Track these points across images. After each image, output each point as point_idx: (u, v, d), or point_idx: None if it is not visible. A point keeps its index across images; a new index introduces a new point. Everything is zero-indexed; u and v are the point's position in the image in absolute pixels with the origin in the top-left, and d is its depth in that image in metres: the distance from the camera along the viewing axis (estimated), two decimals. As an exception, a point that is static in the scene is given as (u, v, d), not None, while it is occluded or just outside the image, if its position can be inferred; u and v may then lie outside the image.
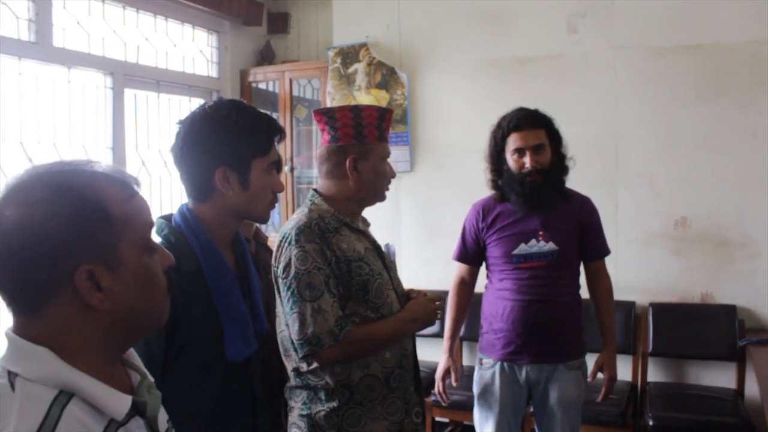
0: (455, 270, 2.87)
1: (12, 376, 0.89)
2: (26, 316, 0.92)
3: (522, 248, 2.60)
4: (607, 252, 2.77)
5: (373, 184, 2.00)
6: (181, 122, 1.62)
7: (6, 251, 0.88)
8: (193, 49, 4.32)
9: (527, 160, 2.58)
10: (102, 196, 0.93)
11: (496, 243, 2.66)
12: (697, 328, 3.60)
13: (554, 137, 2.67)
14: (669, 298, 3.71)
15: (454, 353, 2.85)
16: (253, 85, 4.63)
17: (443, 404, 2.91)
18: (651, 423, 3.22)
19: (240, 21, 4.47)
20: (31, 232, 0.88)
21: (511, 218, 2.65)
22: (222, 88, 4.45)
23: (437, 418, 3.79)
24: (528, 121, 2.62)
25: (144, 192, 1.03)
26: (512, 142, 2.62)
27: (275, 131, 1.65)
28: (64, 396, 0.89)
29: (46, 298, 0.91)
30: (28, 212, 0.88)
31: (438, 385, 2.82)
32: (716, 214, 3.64)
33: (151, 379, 1.08)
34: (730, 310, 3.57)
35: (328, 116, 1.99)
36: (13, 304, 0.92)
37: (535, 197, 2.58)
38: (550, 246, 2.58)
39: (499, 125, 2.70)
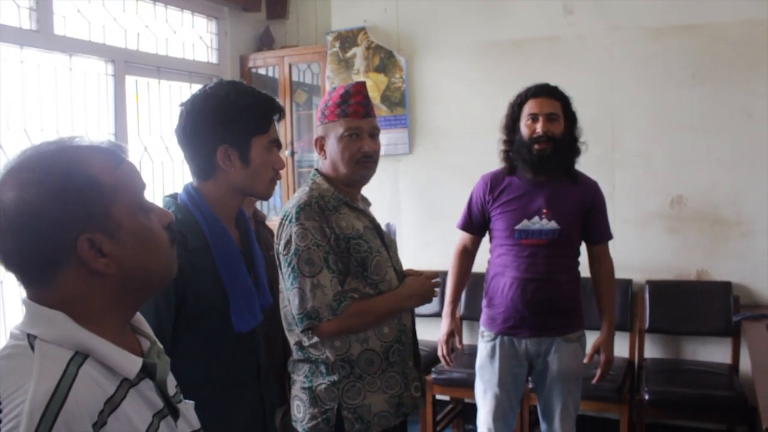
0: (458, 238, 2.93)
1: (31, 338, 0.95)
2: (38, 288, 0.98)
3: (524, 224, 2.66)
4: (609, 236, 2.82)
5: (337, 162, 2.02)
6: (183, 104, 1.68)
7: (9, 231, 0.94)
8: (193, 36, 4.36)
9: (539, 126, 2.63)
10: (88, 167, 0.98)
11: (500, 216, 2.72)
12: (693, 304, 3.65)
13: (570, 115, 2.73)
14: (665, 276, 3.76)
15: (455, 316, 2.90)
16: (253, 70, 4.67)
17: (447, 367, 2.95)
18: (647, 397, 3.28)
19: (239, 7, 4.50)
20: (28, 211, 0.94)
21: (517, 193, 2.70)
22: (222, 74, 4.49)
23: (438, 396, 3.85)
24: (546, 91, 2.71)
25: (146, 176, 1.09)
26: (528, 107, 2.69)
27: (274, 110, 1.71)
28: (80, 356, 0.95)
29: (53, 271, 0.97)
30: (22, 193, 0.94)
31: (441, 348, 2.85)
32: (711, 194, 3.69)
33: (160, 345, 1.14)
34: (725, 287, 3.62)
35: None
36: (24, 278, 0.99)
37: (543, 166, 2.63)
38: (552, 225, 2.64)
39: (518, 94, 2.77)
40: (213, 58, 4.49)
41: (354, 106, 2.01)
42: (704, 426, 3.68)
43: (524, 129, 2.67)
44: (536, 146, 2.62)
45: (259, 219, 2.31)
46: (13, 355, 0.94)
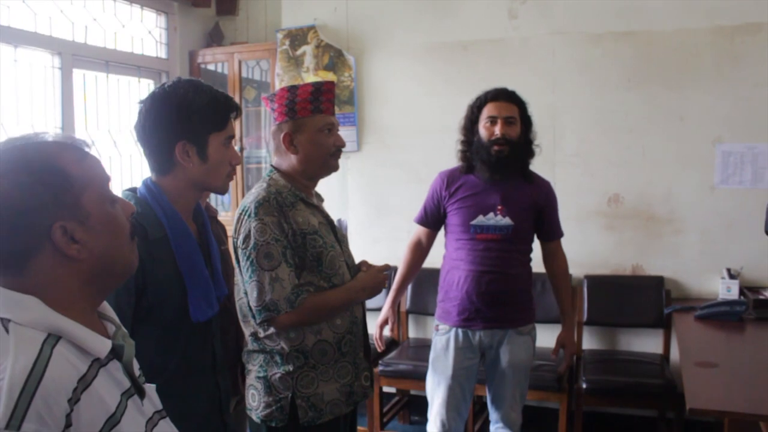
0: (414, 231, 3.04)
1: (5, 321, 1.00)
2: (13, 275, 1.03)
3: (480, 219, 2.77)
4: (561, 234, 2.98)
5: (313, 156, 2.10)
6: (142, 101, 1.72)
7: None
8: (142, 30, 4.33)
9: (497, 129, 2.74)
10: (57, 161, 1.05)
11: (456, 211, 2.83)
12: (628, 298, 3.84)
13: (526, 120, 2.86)
14: (602, 271, 3.94)
15: (394, 306, 3.05)
16: (202, 66, 4.67)
17: (378, 351, 3.11)
18: (584, 386, 3.45)
19: (188, 2, 4.49)
20: (3, 203, 0.99)
21: (474, 190, 2.82)
22: (171, 69, 4.47)
23: (384, 389, 3.95)
24: (505, 95, 2.82)
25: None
26: (487, 110, 2.80)
27: (231, 108, 1.77)
28: (53, 338, 1.01)
29: (28, 258, 1.03)
30: None
31: (375, 332, 2.99)
32: (646, 192, 3.88)
33: (125, 330, 1.20)
34: (658, 281, 3.82)
35: (270, 99, 2.13)
36: (0, 267, 1.03)
37: (499, 166, 2.75)
38: (506, 221, 2.76)
39: (477, 97, 2.87)
40: (162, 53, 4.47)
41: (326, 103, 2.11)
42: (637, 413, 3.88)
43: (483, 131, 2.78)
44: (495, 148, 2.74)
45: (212, 214, 2.35)
46: None
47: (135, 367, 1.19)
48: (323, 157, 2.11)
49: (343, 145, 2.15)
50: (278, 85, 4.44)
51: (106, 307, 1.19)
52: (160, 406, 1.22)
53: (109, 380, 1.08)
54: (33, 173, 1.01)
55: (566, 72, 3.96)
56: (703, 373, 2.52)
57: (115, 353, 1.11)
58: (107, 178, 1.13)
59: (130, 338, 1.18)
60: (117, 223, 1.12)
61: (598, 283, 3.91)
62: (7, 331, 0.99)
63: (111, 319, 1.18)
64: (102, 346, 1.07)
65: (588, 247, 3.94)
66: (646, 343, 3.87)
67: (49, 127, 3.63)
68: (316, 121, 2.09)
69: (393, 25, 4.27)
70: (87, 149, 1.12)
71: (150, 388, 1.21)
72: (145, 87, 4.32)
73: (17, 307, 1.01)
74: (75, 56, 3.77)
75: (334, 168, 2.17)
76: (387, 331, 3.03)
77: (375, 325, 2.99)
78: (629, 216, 3.92)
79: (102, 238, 1.08)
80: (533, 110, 3.97)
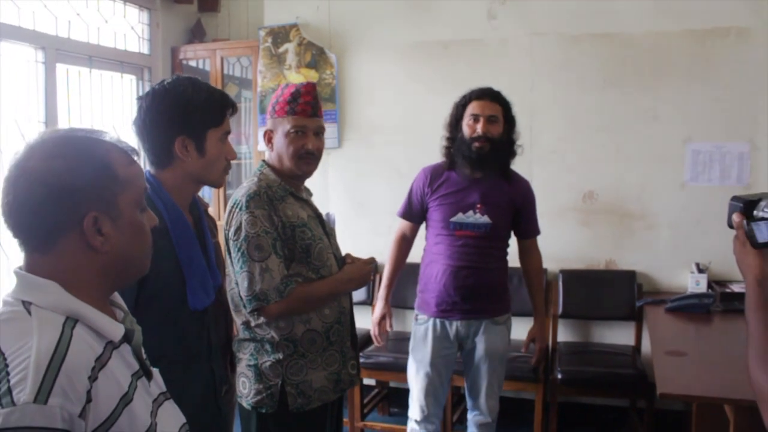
0: (397, 225, 3.13)
1: (27, 304, 1.07)
2: (39, 253, 1.10)
3: (459, 217, 2.86)
4: (537, 232, 3.09)
5: (282, 156, 2.17)
6: (142, 98, 1.79)
7: (29, 196, 1.07)
8: (125, 26, 4.36)
9: (479, 127, 2.83)
10: (110, 158, 1.13)
11: (438, 207, 2.92)
12: (602, 292, 3.97)
13: (509, 119, 2.94)
14: (577, 265, 4.06)
15: (389, 300, 3.12)
16: (184, 62, 4.70)
17: (378, 344, 3.16)
18: (559, 376, 3.57)
19: (171, -2, 4.53)
20: (52, 182, 1.07)
21: (455, 188, 2.91)
22: (153, 65, 4.50)
23: (365, 381, 4.03)
24: (489, 94, 2.91)
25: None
26: (471, 108, 2.88)
27: (227, 105, 1.85)
28: (71, 321, 1.08)
29: (58, 238, 1.10)
30: (51, 165, 1.07)
31: (374, 329, 3.08)
32: (620, 189, 4.01)
33: (132, 317, 1.27)
34: (631, 276, 3.95)
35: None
36: (29, 242, 1.11)
37: (480, 163, 2.84)
38: (485, 219, 2.86)
39: (463, 96, 2.96)
40: (144, 49, 4.50)
41: (302, 105, 2.15)
42: (610, 402, 4.01)
43: (466, 128, 2.87)
44: (476, 144, 2.83)
45: (203, 207, 2.41)
46: (11, 319, 1.06)
47: (142, 351, 1.26)
48: (291, 159, 2.16)
49: (313, 148, 2.15)
50: (261, 82, 4.50)
51: (116, 295, 1.26)
52: (164, 388, 1.30)
53: (121, 362, 1.15)
54: (85, 161, 1.10)
55: (544, 72, 4.07)
56: (672, 361, 2.64)
57: (126, 337, 1.18)
58: (144, 188, 1.21)
59: (137, 324, 1.25)
60: (142, 229, 1.20)
61: (572, 277, 4.03)
62: (29, 313, 1.06)
63: (120, 306, 1.25)
64: (116, 329, 1.15)
65: (563, 242, 4.06)
66: (619, 335, 4.00)
67: (33, 121, 3.65)
68: (287, 123, 2.16)
69: (374, 24, 4.35)
70: (135, 157, 1.21)
71: (155, 372, 1.28)
72: (128, 82, 4.35)
73: (38, 290, 1.08)
74: (58, 51, 3.79)
75: (303, 171, 2.19)
76: (387, 326, 3.10)
77: (373, 322, 3.08)
78: (603, 212, 4.04)
79: (125, 239, 1.15)
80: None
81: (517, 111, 4.02)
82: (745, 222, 1.28)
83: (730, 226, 1.33)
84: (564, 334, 4.09)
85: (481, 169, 2.86)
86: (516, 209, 2.96)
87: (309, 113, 2.16)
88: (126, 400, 1.10)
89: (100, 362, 1.08)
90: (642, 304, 3.74)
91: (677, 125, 3.90)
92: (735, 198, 1.34)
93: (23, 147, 1.10)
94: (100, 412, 1.04)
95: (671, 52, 3.88)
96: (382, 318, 3.08)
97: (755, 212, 1.29)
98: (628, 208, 4.00)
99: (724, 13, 3.79)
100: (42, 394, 0.96)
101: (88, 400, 1.01)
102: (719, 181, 3.89)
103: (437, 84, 4.16)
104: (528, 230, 3.05)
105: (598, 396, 3.85)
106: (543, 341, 3.09)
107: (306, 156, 2.17)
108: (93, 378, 1.04)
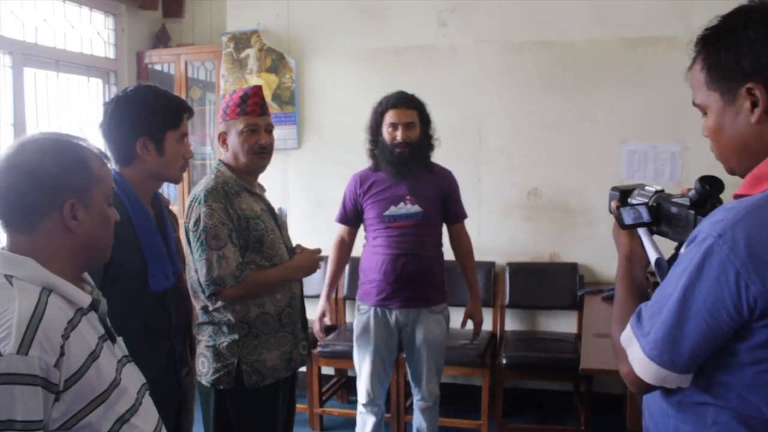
0: (337, 230, 3.34)
1: (8, 277, 1.28)
2: (22, 234, 1.33)
3: (392, 210, 3.10)
4: (464, 216, 3.32)
5: (238, 154, 2.40)
6: (107, 103, 2.02)
7: (19, 183, 1.30)
8: (91, 31, 4.51)
9: (399, 134, 3.06)
10: (87, 158, 1.38)
11: (371, 206, 3.15)
12: (546, 283, 4.23)
13: (424, 119, 3.18)
14: (523, 258, 4.32)
15: (330, 299, 3.34)
16: (150, 66, 4.87)
17: (320, 340, 3.39)
18: (504, 362, 3.81)
19: (136, 4, 4.68)
20: (40, 172, 1.31)
21: (384, 185, 3.14)
22: (119, 69, 4.66)
23: (323, 370, 4.24)
24: (404, 102, 3.13)
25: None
26: (389, 117, 3.11)
27: (184, 109, 2.08)
28: (47, 290, 1.29)
29: (40, 219, 1.32)
30: (39, 159, 1.31)
31: (315, 325, 3.28)
32: (562, 187, 4.27)
33: (98, 291, 1.48)
34: (573, 268, 4.22)
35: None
36: (14, 223, 1.33)
37: (403, 166, 3.09)
38: (416, 208, 3.09)
39: (380, 103, 3.19)
40: (110, 54, 4.66)
41: (252, 106, 2.39)
42: (554, 387, 4.28)
43: (386, 135, 3.10)
44: (397, 150, 3.07)
45: (164, 203, 2.61)
46: None
47: (107, 320, 1.47)
48: (246, 155, 2.39)
49: (266, 144, 2.40)
50: (223, 86, 4.69)
51: (85, 274, 1.48)
52: (126, 352, 1.51)
53: (90, 326, 1.37)
54: (68, 158, 1.34)
55: (490, 77, 4.32)
56: (598, 342, 2.90)
57: (93, 306, 1.40)
58: (112, 187, 1.45)
59: (103, 297, 1.46)
60: (109, 220, 1.44)
61: (518, 269, 4.28)
62: (11, 284, 1.27)
63: (88, 281, 1.48)
64: (84, 298, 1.36)
65: (510, 236, 4.32)
66: (562, 323, 4.27)
67: (2, 124, 3.80)
68: (239, 123, 2.39)
69: (332, 31, 4.57)
70: (106, 161, 1.46)
71: (119, 339, 1.49)
72: (94, 86, 4.51)
73: (19, 266, 1.30)
74: (26, 55, 3.94)
75: (258, 165, 2.43)
76: (327, 321, 3.32)
77: (314, 319, 3.27)
78: (547, 208, 4.30)
79: (95, 226, 1.39)
80: (460, 112, 4.36)
81: (466, 114, 4.31)
82: (615, 207, 1.52)
83: (611, 211, 1.57)
84: (511, 323, 4.35)
85: (405, 170, 3.10)
86: (443, 196, 3.19)
87: (258, 112, 2.40)
88: (93, 356, 1.32)
89: (72, 324, 1.29)
90: (582, 294, 4.00)
91: (614, 127, 4.18)
92: (614, 188, 1.59)
93: (15, 144, 1.33)
94: (71, 365, 1.25)
95: (608, 59, 4.16)
96: (323, 315, 3.29)
97: (629, 200, 1.54)
98: (569, 204, 4.27)
99: (656, 24, 4.08)
100: (23, 347, 1.18)
101: (62, 354, 1.23)
102: (654, 179, 4.16)
103: (391, 88, 4.29)
104: (456, 215, 3.28)
105: (541, 380, 4.11)
106: (479, 316, 3.29)
107: (260, 151, 2.40)
108: (65, 336, 1.25)
